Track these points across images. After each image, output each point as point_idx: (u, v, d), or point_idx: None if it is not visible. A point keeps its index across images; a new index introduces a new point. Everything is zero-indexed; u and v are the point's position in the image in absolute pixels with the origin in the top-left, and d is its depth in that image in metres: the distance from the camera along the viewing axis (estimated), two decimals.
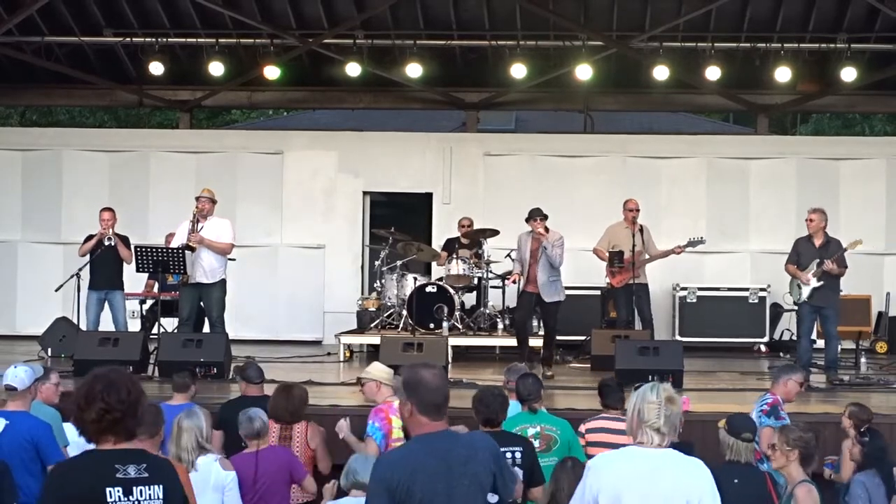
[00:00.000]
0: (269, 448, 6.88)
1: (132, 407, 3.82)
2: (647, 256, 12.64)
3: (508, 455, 6.01)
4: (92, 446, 3.83)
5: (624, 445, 6.76)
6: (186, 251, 11.45)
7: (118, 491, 3.72)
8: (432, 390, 4.13)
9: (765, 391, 8.03)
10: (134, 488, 3.74)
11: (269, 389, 8.01)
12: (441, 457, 4.03)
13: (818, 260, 11.30)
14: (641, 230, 12.56)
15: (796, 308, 11.73)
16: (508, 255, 13.77)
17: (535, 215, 11.61)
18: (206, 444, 6.46)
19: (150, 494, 3.77)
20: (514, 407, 7.15)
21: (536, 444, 6.74)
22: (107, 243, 12.41)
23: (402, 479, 3.96)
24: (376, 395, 7.40)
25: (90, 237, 12.59)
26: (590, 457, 6.61)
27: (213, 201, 11.86)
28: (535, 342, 12.78)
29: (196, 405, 7.36)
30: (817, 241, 11.46)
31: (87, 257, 12.53)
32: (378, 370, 7.51)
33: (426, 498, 3.95)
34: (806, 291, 11.32)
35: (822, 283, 11.25)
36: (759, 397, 7.84)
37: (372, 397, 7.46)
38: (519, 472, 6.04)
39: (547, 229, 11.49)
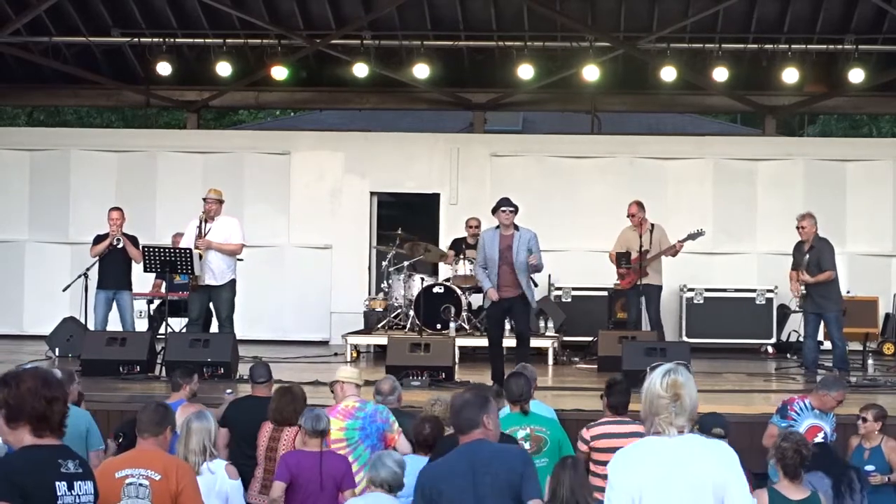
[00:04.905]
0: (331, 452, 6.74)
1: (67, 402, 3.95)
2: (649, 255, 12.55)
3: None
4: None
5: None
6: (195, 251, 11.48)
7: (64, 486, 3.77)
8: (453, 412, 4.91)
9: (771, 392, 8.08)
10: (75, 483, 3.80)
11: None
12: (467, 459, 4.67)
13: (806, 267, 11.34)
14: (652, 229, 12.44)
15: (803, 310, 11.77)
16: None
17: (506, 205, 9.95)
18: (212, 449, 6.39)
19: (85, 490, 3.83)
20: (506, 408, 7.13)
21: (527, 446, 6.65)
22: (116, 245, 12.42)
23: (432, 484, 4.70)
24: (340, 395, 7.41)
25: (100, 238, 12.60)
26: (598, 463, 6.59)
27: (221, 202, 11.88)
28: (540, 342, 12.81)
29: (203, 407, 7.35)
30: (806, 247, 11.46)
31: (96, 257, 12.55)
32: (343, 371, 7.54)
33: (454, 495, 4.61)
34: (799, 298, 11.43)
35: (804, 291, 11.27)
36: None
37: (339, 399, 7.44)
38: None
39: (516, 226, 10.05)
